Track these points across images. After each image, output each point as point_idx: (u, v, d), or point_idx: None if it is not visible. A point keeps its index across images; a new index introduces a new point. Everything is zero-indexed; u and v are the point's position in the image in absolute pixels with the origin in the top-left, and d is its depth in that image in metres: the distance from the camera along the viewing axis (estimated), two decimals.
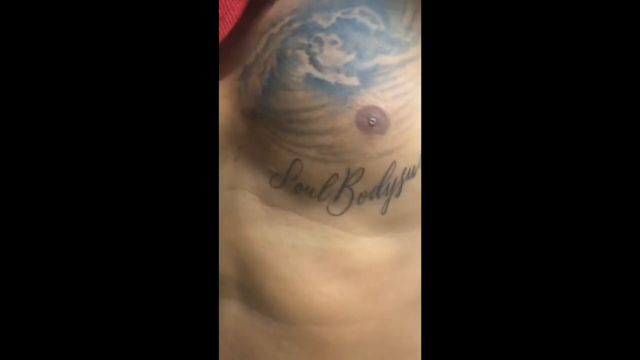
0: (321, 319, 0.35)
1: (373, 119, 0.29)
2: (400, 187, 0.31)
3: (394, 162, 0.30)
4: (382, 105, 0.29)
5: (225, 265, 0.36)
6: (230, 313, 0.37)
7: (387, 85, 0.29)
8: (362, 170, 0.31)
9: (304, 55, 0.29)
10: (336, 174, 0.31)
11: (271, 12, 0.30)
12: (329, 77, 0.29)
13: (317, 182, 0.31)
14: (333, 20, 0.29)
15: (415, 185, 0.32)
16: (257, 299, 0.36)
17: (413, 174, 0.31)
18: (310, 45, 0.29)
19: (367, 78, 0.29)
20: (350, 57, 0.29)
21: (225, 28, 0.30)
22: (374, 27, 0.29)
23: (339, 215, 0.33)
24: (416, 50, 0.30)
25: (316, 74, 0.29)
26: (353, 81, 0.29)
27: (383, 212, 0.33)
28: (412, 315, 0.37)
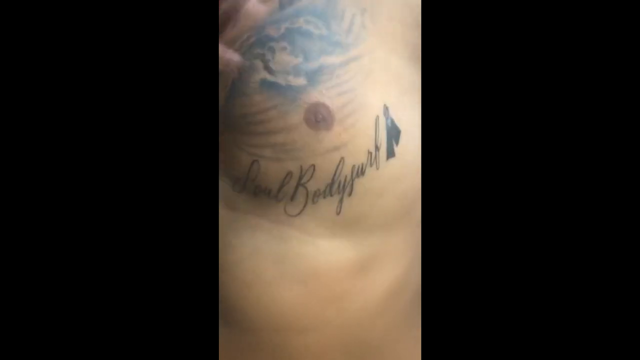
0: (281, 326, 0.35)
1: (319, 115, 0.32)
2: (352, 185, 0.33)
3: (342, 159, 0.33)
4: (327, 102, 0.32)
5: None
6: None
7: (332, 83, 0.32)
8: (313, 167, 0.33)
9: (259, 64, 0.33)
10: (290, 172, 0.33)
11: (232, 34, 0.35)
12: (280, 80, 0.32)
13: (274, 182, 0.34)
14: (282, 30, 0.33)
15: (366, 185, 0.34)
16: (220, 306, 0.36)
17: (362, 172, 0.33)
18: (264, 54, 0.33)
19: (313, 77, 0.32)
20: (298, 60, 0.32)
21: None
22: (317, 32, 0.33)
23: (296, 215, 0.34)
24: (357, 51, 0.33)
25: (269, 77, 0.32)
26: (301, 81, 0.32)
27: (338, 212, 0.34)
28: (376, 328, 0.37)
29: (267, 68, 0.33)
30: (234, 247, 0.36)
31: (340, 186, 0.33)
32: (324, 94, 0.32)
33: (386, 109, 0.34)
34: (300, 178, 0.33)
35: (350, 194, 0.34)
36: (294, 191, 0.34)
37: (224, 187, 0.36)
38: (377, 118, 0.33)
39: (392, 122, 0.34)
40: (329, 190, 0.33)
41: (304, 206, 0.34)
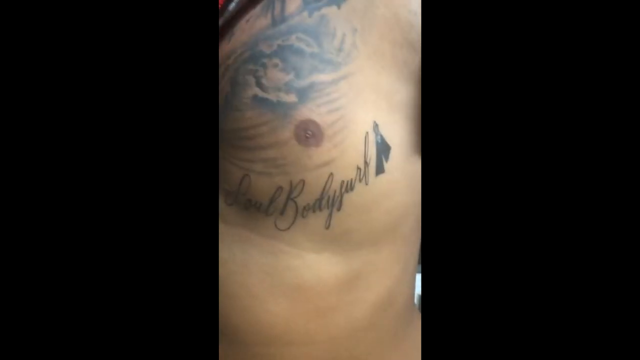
0: (268, 340, 0.36)
1: (309, 131, 0.32)
2: (340, 200, 0.34)
3: (331, 174, 0.33)
4: (317, 119, 0.32)
5: None
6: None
7: (322, 100, 0.33)
8: (303, 182, 0.33)
9: (251, 79, 0.33)
10: (280, 187, 0.34)
11: (227, 47, 0.35)
12: (272, 96, 0.33)
13: (264, 196, 0.34)
14: (275, 47, 0.33)
15: (355, 200, 0.34)
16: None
17: (352, 188, 0.34)
18: (257, 70, 0.33)
19: (303, 95, 0.33)
20: (290, 77, 0.33)
21: None
22: (308, 50, 0.33)
23: (286, 229, 0.35)
24: (348, 69, 0.33)
25: (261, 94, 0.33)
26: (292, 98, 0.32)
27: (327, 226, 0.34)
28: (363, 344, 0.37)
29: (259, 84, 0.33)
30: (224, 260, 0.36)
31: (329, 201, 0.34)
32: (314, 111, 0.32)
33: (376, 125, 0.34)
34: (290, 193, 0.34)
35: (339, 209, 0.34)
36: (284, 205, 0.34)
37: (218, 201, 0.36)
38: (366, 134, 0.34)
39: (382, 138, 0.35)
40: (318, 205, 0.34)
41: (294, 220, 0.34)
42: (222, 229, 0.36)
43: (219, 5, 0.36)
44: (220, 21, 0.37)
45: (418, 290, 1.15)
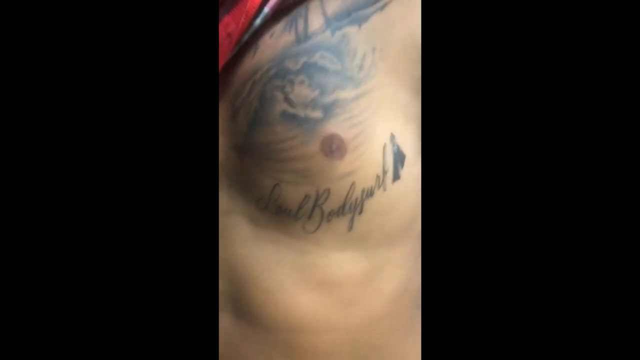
0: (298, 327, 0.40)
1: (334, 145, 0.36)
2: (362, 205, 0.37)
3: (353, 183, 0.37)
4: (341, 134, 0.36)
5: (221, 280, 0.42)
6: (223, 325, 0.42)
7: (345, 116, 0.36)
8: (328, 190, 0.37)
9: (279, 95, 0.36)
10: (308, 195, 0.37)
11: (252, 62, 0.38)
12: (300, 112, 0.36)
13: (293, 203, 0.38)
14: (300, 65, 0.36)
15: (374, 205, 0.38)
16: (245, 309, 0.41)
17: (371, 194, 0.37)
18: (284, 87, 0.36)
19: (328, 111, 0.36)
20: (315, 94, 0.36)
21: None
22: (332, 67, 0.36)
23: (313, 232, 0.39)
24: (366, 87, 0.36)
25: (290, 110, 0.36)
26: (318, 114, 0.36)
27: (349, 229, 0.38)
28: (380, 331, 0.41)
29: (288, 100, 0.36)
30: (258, 258, 0.40)
31: (351, 207, 0.38)
32: (338, 126, 0.36)
33: (393, 136, 0.37)
34: (317, 200, 0.37)
35: (360, 213, 0.38)
36: (311, 211, 0.38)
37: (248, 205, 0.40)
38: (384, 146, 0.37)
39: (398, 148, 0.38)
40: (342, 210, 0.38)
41: (320, 224, 0.38)
42: (255, 231, 0.40)
43: (245, 21, 0.39)
44: (246, 36, 0.39)
45: None
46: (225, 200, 0.41)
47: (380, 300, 0.41)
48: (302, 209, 0.38)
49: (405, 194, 0.39)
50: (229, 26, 0.38)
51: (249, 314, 0.41)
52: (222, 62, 0.39)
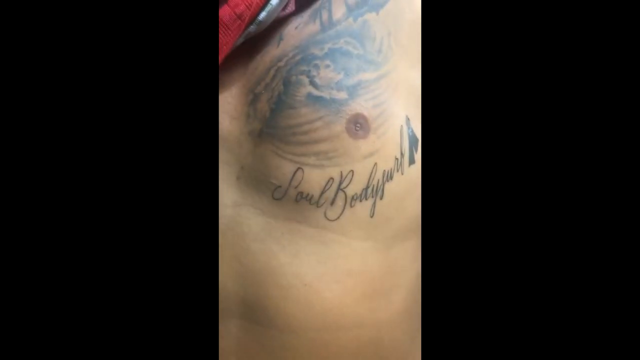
0: (322, 325, 0.38)
1: (358, 124, 0.36)
2: (383, 189, 0.37)
3: (375, 164, 0.36)
4: (365, 113, 0.36)
5: (228, 280, 0.39)
6: (231, 333, 0.39)
7: (368, 96, 0.36)
8: (352, 172, 0.36)
9: (305, 79, 0.36)
10: (332, 178, 0.36)
11: (277, 51, 0.38)
12: (325, 94, 0.35)
13: (316, 188, 0.36)
14: (326, 50, 0.37)
15: (394, 189, 0.38)
16: (260, 311, 0.38)
17: (391, 177, 0.37)
18: (309, 71, 0.36)
19: (353, 92, 0.36)
20: (340, 76, 0.36)
21: (223, 51, 0.37)
22: (355, 52, 0.37)
23: (335, 220, 0.37)
24: (386, 68, 0.37)
25: (315, 92, 0.36)
26: (343, 95, 0.36)
27: (371, 215, 0.37)
28: (401, 327, 0.41)
29: (313, 83, 0.36)
30: (274, 253, 0.37)
31: (373, 190, 0.37)
32: (362, 105, 0.36)
33: (408, 119, 0.38)
34: (341, 183, 0.36)
35: (381, 198, 0.37)
36: (334, 196, 0.36)
37: (261, 196, 0.38)
38: (401, 127, 0.37)
39: (412, 131, 0.39)
40: (364, 194, 0.37)
41: (343, 210, 0.37)
42: (269, 223, 0.38)
43: (248, 17, 0.37)
44: (262, 15, 0.37)
45: None
46: (234, 192, 0.38)
47: (398, 293, 0.40)
48: (325, 194, 0.36)
49: (419, 178, 0.39)
50: (238, 7, 0.37)
51: (265, 316, 0.38)
52: (230, 43, 0.37)
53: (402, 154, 0.38)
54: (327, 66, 0.36)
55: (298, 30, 0.38)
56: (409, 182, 0.38)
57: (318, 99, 0.35)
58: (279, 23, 0.39)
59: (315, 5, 0.39)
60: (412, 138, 0.38)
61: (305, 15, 0.39)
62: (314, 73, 0.36)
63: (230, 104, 0.39)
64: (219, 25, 0.37)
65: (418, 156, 0.39)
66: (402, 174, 0.38)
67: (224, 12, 0.37)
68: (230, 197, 0.39)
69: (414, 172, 0.39)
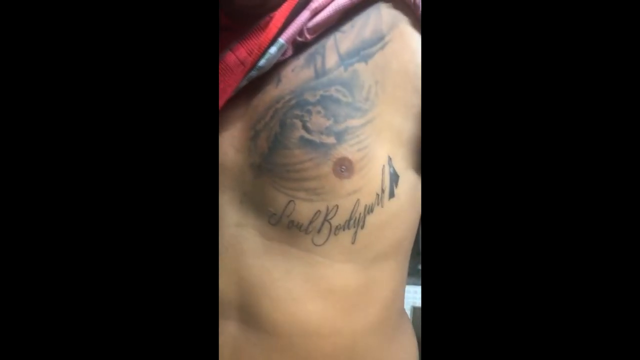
0: (304, 332, 0.44)
1: (344, 167, 0.41)
2: (364, 220, 0.43)
3: (358, 200, 0.42)
4: (350, 157, 0.41)
5: (228, 289, 0.45)
6: (229, 332, 0.45)
7: (354, 141, 0.41)
8: (337, 206, 0.42)
9: (298, 123, 0.41)
10: (319, 211, 0.42)
11: (276, 92, 0.43)
12: (316, 138, 0.40)
13: (305, 218, 0.42)
14: (318, 96, 0.41)
15: (374, 220, 0.43)
16: (253, 316, 0.44)
17: (372, 210, 0.42)
18: (303, 115, 0.41)
19: (340, 137, 0.41)
20: (330, 122, 0.41)
21: (227, 91, 0.42)
22: (344, 99, 0.41)
23: (321, 245, 0.43)
24: (372, 114, 0.42)
25: (307, 136, 0.41)
26: (331, 140, 0.41)
27: (353, 242, 0.43)
28: (375, 335, 0.47)
29: (305, 127, 0.41)
30: (268, 269, 0.44)
31: (355, 221, 0.42)
32: (348, 150, 0.41)
33: (389, 159, 0.43)
34: (327, 215, 0.42)
35: (362, 227, 0.43)
36: (320, 225, 0.42)
37: (260, 220, 0.44)
38: (383, 167, 0.43)
39: (394, 169, 0.44)
40: (347, 225, 0.42)
41: (328, 237, 0.43)
42: (265, 243, 0.44)
43: (257, 52, 0.42)
44: (261, 62, 0.42)
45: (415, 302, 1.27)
46: (237, 214, 0.44)
47: (375, 307, 0.46)
48: (313, 224, 0.42)
49: (399, 210, 0.44)
50: (240, 53, 0.42)
51: (257, 321, 0.44)
52: (234, 85, 0.42)
53: (382, 190, 0.43)
54: (319, 112, 0.41)
55: (294, 73, 0.43)
56: (389, 214, 0.44)
57: (309, 142, 0.41)
58: (277, 64, 0.43)
59: (311, 50, 0.43)
60: (393, 175, 0.43)
61: (302, 58, 0.43)
62: (306, 118, 0.41)
63: (235, 137, 0.45)
64: (225, 69, 0.43)
65: (398, 190, 0.44)
66: (382, 207, 0.43)
67: (229, 58, 0.42)
68: (233, 218, 0.45)
69: (394, 205, 0.44)
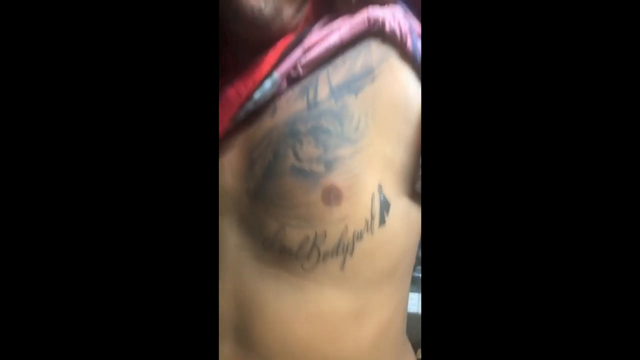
0: (291, 356, 0.45)
1: (332, 194, 0.42)
2: (353, 247, 0.44)
3: (346, 226, 0.43)
4: (338, 185, 0.42)
5: (226, 305, 0.47)
6: (224, 352, 0.47)
7: (343, 170, 0.42)
8: (325, 232, 0.43)
9: (290, 152, 0.43)
10: (308, 237, 0.43)
11: (271, 122, 0.45)
12: (306, 166, 0.42)
13: (295, 244, 0.44)
14: (309, 127, 0.43)
15: (363, 247, 0.44)
16: (247, 338, 0.46)
17: (361, 237, 0.44)
18: (294, 145, 0.43)
19: (330, 166, 0.42)
20: (320, 152, 0.42)
21: (224, 121, 0.45)
22: (334, 130, 0.43)
23: (310, 270, 0.44)
24: (361, 144, 0.43)
25: (297, 164, 0.42)
26: (321, 168, 0.42)
27: (342, 268, 0.44)
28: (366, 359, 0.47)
29: (296, 156, 0.43)
30: (261, 291, 0.45)
31: (344, 248, 0.44)
32: (337, 179, 0.42)
33: (380, 187, 0.44)
34: (315, 241, 0.43)
35: (351, 254, 0.44)
36: (309, 251, 0.44)
37: (255, 243, 0.46)
38: (373, 195, 0.44)
39: (384, 197, 0.45)
40: (336, 251, 0.44)
41: (317, 263, 0.44)
42: (260, 266, 0.46)
43: (252, 86, 0.45)
44: (256, 95, 0.45)
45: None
46: (235, 236, 0.47)
47: (366, 335, 0.46)
48: (302, 249, 0.43)
49: (390, 237, 0.45)
50: (238, 87, 0.45)
51: (250, 343, 0.46)
52: (231, 113, 0.45)
53: (372, 217, 0.44)
54: (310, 142, 0.43)
55: (288, 104, 0.45)
56: (380, 240, 0.45)
57: (299, 171, 0.42)
58: (274, 96, 0.46)
59: (305, 82, 0.46)
60: (384, 203, 0.45)
61: (296, 89, 0.46)
62: (298, 147, 0.43)
63: (232, 164, 0.47)
64: (225, 101, 0.45)
65: (391, 218, 0.45)
66: (372, 234, 0.44)
67: (230, 92, 0.45)
68: (232, 239, 0.47)
69: (385, 232, 0.45)
